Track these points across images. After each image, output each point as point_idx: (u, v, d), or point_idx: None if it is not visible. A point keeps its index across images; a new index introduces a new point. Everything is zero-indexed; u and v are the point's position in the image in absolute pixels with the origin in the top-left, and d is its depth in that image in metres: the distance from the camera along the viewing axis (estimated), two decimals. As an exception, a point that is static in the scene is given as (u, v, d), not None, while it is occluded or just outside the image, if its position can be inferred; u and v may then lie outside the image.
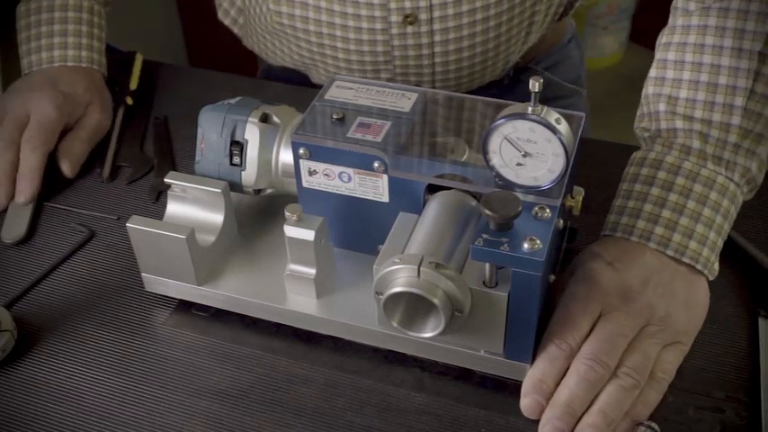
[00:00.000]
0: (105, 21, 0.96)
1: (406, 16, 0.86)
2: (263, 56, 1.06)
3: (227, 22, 1.06)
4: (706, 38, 0.69)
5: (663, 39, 0.73)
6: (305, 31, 0.91)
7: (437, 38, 0.88)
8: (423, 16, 0.86)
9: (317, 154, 0.65)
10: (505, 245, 0.56)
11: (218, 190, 0.69)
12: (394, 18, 0.87)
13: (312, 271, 0.66)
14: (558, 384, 0.61)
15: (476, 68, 0.93)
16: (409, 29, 0.87)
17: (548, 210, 0.59)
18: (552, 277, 0.64)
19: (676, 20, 0.72)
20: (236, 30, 1.07)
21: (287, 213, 0.64)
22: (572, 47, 1.09)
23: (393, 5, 0.86)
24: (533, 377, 0.62)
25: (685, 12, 0.72)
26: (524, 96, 1.03)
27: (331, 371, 0.66)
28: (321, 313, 0.67)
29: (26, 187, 0.81)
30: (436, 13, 0.86)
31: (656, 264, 0.66)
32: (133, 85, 0.96)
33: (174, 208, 0.71)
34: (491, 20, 0.88)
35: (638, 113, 0.75)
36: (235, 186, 0.71)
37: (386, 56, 0.90)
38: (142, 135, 0.91)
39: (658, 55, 0.73)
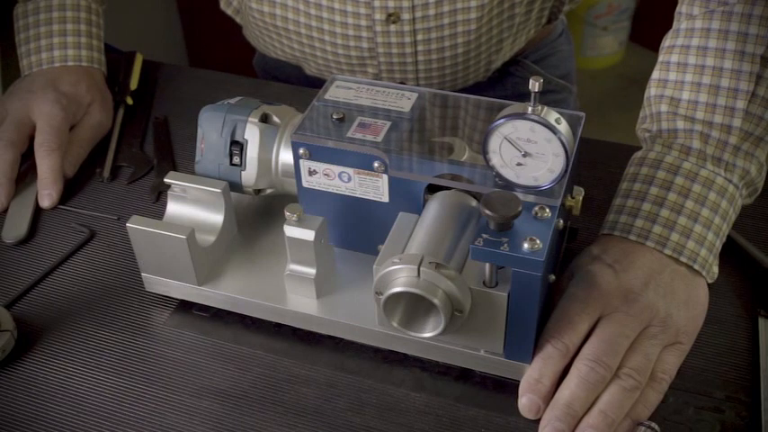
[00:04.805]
0: (103, 19, 0.96)
1: (390, 15, 0.88)
2: (259, 48, 1.06)
3: (229, 11, 1.06)
4: (709, 41, 0.69)
5: (666, 42, 0.74)
6: (296, 23, 0.92)
7: (419, 37, 0.90)
8: (405, 16, 0.88)
9: (316, 154, 0.65)
10: (505, 245, 0.56)
11: (218, 190, 0.69)
12: (378, 16, 0.88)
13: (312, 271, 0.66)
14: (554, 384, 0.61)
15: (458, 68, 0.95)
16: (392, 27, 0.89)
17: (548, 210, 0.59)
18: (552, 277, 0.64)
19: (680, 23, 0.73)
20: (238, 19, 1.07)
21: (287, 213, 0.64)
22: (562, 41, 1.10)
23: (377, 4, 0.87)
24: (530, 377, 0.62)
25: (689, 15, 0.72)
26: (512, 88, 1.04)
27: (331, 371, 0.66)
28: (321, 313, 0.67)
29: (51, 191, 0.81)
30: (418, 14, 0.88)
31: (655, 264, 0.66)
32: (133, 85, 0.96)
33: (173, 208, 0.71)
34: (471, 23, 0.90)
35: (640, 115, 0.75)
36: (235, 186, 0.71)
37: (371, 52, 0.92)
38: (142, 135, 0.91)
39: (661, 57, 0.73)
